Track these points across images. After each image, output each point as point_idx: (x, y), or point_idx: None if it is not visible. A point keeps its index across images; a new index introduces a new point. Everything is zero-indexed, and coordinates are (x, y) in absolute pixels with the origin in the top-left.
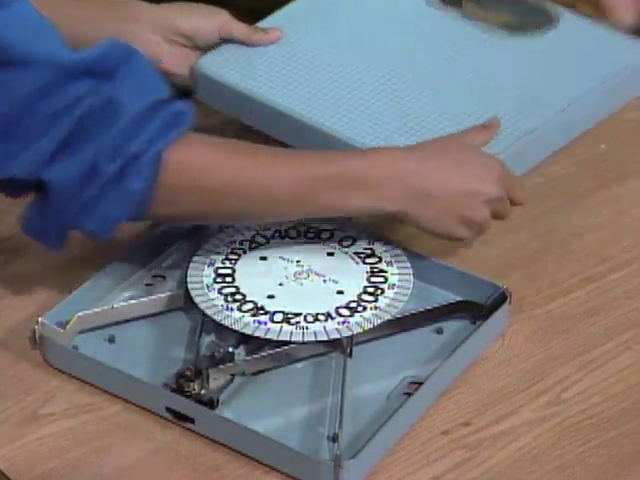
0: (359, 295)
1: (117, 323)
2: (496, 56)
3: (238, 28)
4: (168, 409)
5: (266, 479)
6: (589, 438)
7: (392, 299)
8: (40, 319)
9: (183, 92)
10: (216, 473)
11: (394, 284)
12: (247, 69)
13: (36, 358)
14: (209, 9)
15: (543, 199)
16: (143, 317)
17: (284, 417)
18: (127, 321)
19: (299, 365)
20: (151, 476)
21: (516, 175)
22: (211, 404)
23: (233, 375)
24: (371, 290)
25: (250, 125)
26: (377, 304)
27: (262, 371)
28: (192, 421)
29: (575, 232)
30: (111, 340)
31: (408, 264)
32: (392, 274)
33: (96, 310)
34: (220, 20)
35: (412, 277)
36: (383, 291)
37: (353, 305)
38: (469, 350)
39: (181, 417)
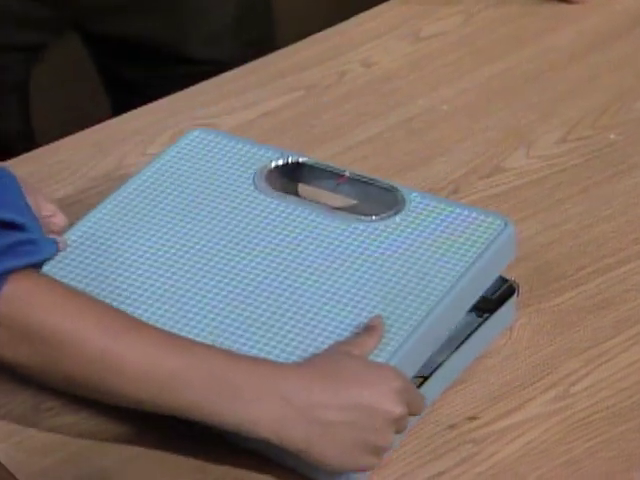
0: None
1: None
2: (346, 244)
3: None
4: None
5: (270, 475)
6: (598, 433)
7: None
8: None
9: None
10: (218, 469)
11: None
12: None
13: None
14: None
15: (552, 190)
16: None
17: None
18: None
19: None
20: (151, 470)
21: (410, 378)
22: None
23: None
24: None
25: None
26: None
27: None
28: None
29: (585, 224)
30: None
31: None
32: None
33: None
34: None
35: None
36: None
37: None
38: (476, 343)
39: None
